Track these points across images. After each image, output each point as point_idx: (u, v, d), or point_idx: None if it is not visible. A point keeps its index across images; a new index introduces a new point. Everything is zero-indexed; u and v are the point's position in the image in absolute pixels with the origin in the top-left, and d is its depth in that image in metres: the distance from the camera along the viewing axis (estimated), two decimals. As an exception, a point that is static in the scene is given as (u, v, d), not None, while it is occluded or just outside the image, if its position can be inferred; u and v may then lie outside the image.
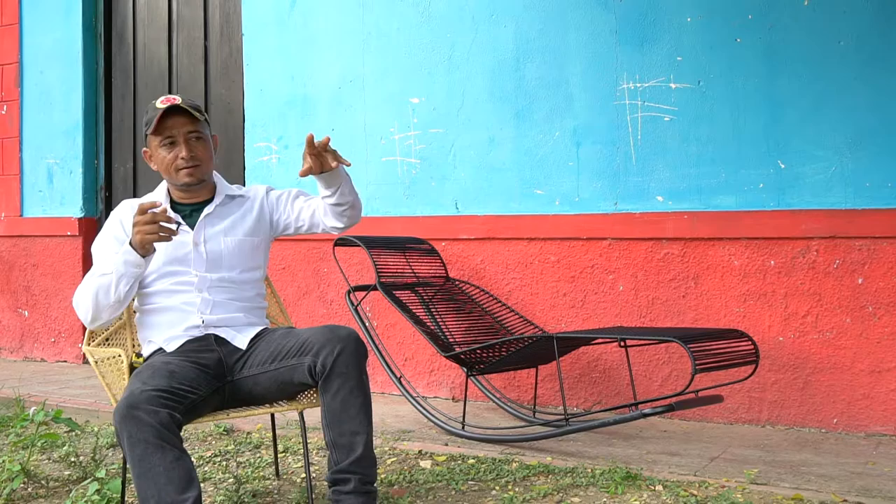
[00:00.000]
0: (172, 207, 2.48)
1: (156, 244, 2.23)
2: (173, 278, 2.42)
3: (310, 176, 2.32)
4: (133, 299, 2.53)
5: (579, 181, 3.76)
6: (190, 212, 2.49)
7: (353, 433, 2.22)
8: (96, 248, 2.44)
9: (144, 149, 2.50)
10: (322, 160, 2.30)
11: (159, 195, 2.50)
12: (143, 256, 2.23)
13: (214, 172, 2.56)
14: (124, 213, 2.46)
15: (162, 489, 1.98)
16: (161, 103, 2.38)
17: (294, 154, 4.45)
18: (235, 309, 2.46)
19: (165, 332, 2.40)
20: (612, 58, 3.70)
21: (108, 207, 5.17)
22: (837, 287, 3.31)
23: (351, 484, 2.21)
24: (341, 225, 2.48)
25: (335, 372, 2.22)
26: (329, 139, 2.27)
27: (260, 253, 2.56)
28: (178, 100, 2.39)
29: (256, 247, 2.54)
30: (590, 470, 2.78)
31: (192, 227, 2.46)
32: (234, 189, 2.58)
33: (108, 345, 2.59)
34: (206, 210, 2.48)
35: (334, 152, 2.30)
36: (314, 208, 2.52)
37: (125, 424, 2.01)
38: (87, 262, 4.99)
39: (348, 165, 2.35)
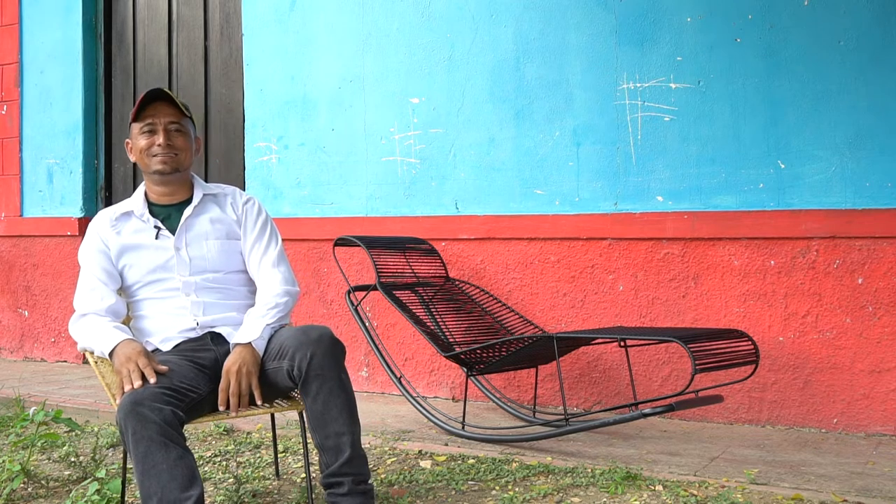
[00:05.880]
0: (150, 210, 2.46)
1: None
2: (159, 285, 2.41)
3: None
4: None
5: (579, 181, 3.77)
6: (168, 214, 2.47)
7: (339, 434, 2.20)
8: (82, 258, 2.44)
9: (127, 140, 2.49)
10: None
11: (137, 200, 2.47)
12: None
13: (193, 174, 2.54)
14: (101, 225, 2.46)
15: (165, 486, 1.98)
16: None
17: (294, 154, 4.45)
18: (227, 308, 2.45)
19: (160, 334, 2.41)
20: (612, 58, 3.70)
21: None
22: (837, 287, 3.31)
23: (345, 486, 2.20)
24: None
25: (311, 375, 2.20)
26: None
27: (241, 255, 2.54)
28: (165, 90, 2.41)
29: (238, 249, 2.52)
30: (590, 470, 2.78)
31: (171, 230, 2.44)
32: (212, 188, 2.56)
33: (109, 344, 2.59)
34: (186, 213, 2.45)
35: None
36: (257, 274, 2.49)
37: (129, 421, 2.01)
38: (86, 262, 4.99)
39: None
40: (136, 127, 2.43)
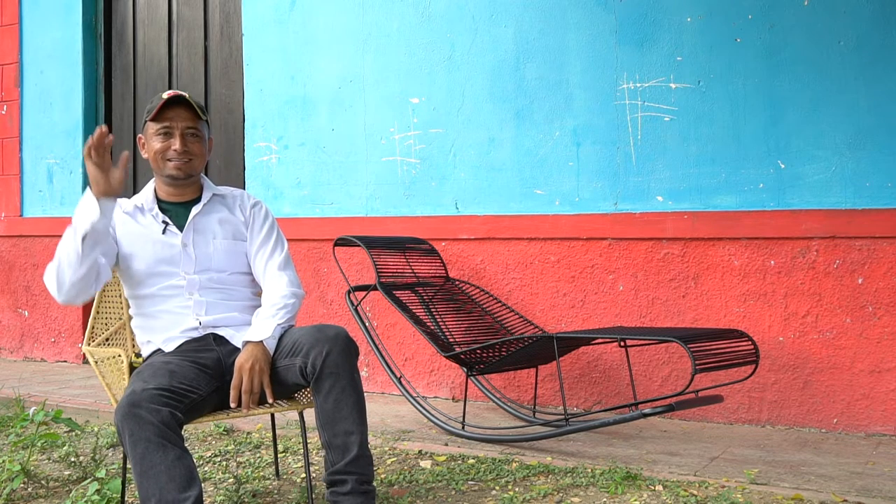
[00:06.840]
0: (159, 207, 2.47)
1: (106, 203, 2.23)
2: (164, 280, 2.40)
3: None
4: (128, 305, 2.52)
5: (579, 181, 3.76)
6: (177, 212, 2.47)
7: (348, 433, 2.21)
8: None
9: (140, 135, 2.49)
10: None
11: (146, 195, 2.48)
12: (98, 199, 2.22)
13: (201, 174, 2.54)
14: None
15: (163, 487, 1.99)
16: (167, 94, 2.40)
17: (294, 154, 4.45)
18: (230, 308, 2.45)
19: (163, 334, 2.40)
20: (612, 58, 3.70)
21: (108, 207, 5.17)
22: (837, 287, 3.31)
23: (348, 485, 2.20)
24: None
25: (325, 372, 2.21)
26: None
27: (246, 257, 2.55)
28: (185, 95, 2.41)
29: (244, 251, 2.53)
30: (590, 470, 2.78)
31: (179, 227, 2.44)
32: (221, 189, 2.57)
33: (108, 345, 2.59)
34: (195, 210, 2.46)
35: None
36: (263, 277, 2.51)
37: (127, 423, 2.01)
38: (87, 262, 4.99)
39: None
40: (151, 126, 2.41)
